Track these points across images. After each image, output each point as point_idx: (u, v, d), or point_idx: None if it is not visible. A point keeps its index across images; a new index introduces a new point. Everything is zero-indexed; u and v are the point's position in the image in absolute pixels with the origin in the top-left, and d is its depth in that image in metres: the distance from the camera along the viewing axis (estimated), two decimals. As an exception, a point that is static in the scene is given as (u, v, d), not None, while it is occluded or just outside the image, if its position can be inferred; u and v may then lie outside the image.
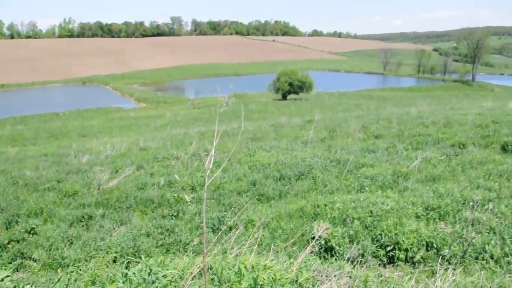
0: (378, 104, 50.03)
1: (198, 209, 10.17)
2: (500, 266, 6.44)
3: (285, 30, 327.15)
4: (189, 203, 10.64)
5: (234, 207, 9.95)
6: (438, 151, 14.02)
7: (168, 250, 7.99)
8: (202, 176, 12.64)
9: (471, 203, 8.60)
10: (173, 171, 13.76)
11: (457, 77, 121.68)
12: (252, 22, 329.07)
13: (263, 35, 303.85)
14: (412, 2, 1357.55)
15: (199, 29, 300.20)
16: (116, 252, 7.63)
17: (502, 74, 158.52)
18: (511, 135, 15.31)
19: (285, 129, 22.46)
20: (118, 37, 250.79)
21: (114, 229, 9.28)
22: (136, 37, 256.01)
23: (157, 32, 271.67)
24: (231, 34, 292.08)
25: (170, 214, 10.01)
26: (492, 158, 12.69)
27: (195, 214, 9.91)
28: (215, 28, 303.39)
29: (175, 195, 11.26)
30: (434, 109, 29.58)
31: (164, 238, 8.38)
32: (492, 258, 6.74)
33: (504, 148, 13.89)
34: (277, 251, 7.04)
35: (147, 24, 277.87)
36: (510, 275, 4.52)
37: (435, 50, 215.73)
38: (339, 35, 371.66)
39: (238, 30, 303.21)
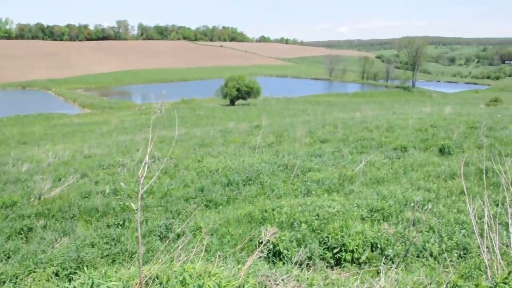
0: (325, 109, 51.07)
1: (145, 217, 9.95)
2: (438, 262, 6.73)
3: (233, 36, 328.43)
4: (136, 211, 10.38)
5: (182, 214, 9.81)
6: (382, 154, 14.48)
7: (114, 260, 7.74)
8: (149, 183, 12.38)
9: (412, 204, 8.94)
10: (119, 179, 13.39)
11: (398, 83, 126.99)
12: (200, 28, 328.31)
13: (211, 40, 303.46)
14: (356, 11, 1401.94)
15: (146, 33, 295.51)
16: (58, 265, 7.29)
17: (438, 81, 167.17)
18: (447, 138, 16.07)
19: (233, 134, 22.45)
20: (60, 40, 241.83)
21: (56, 240, 8.88)
22: (80, 40, 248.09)
23: (102, 35, 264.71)
24: (178, 39, 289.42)
25: (116, 223, 9.71)
26: (431, 161, 13.27)
27: (142, 222, 9.69)
28: (162, 32, 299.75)
29: (121, 203, 10.96)
30: (377, 114, 30.53)
31: (110, 248, 8.10)
32: (431, 256, 7.02)
33: (441, 151, 14.57)
34: (226, 257, 7.00)
35: (91, 27, 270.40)
36: (446, 270, 4.74)
37: (378, 57, 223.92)
38: (286, 41, 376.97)
39: (186, 35, 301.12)
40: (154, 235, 8.71)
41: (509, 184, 4.31)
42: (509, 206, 3.77)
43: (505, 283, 2.96)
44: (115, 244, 8.30)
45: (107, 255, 7.89)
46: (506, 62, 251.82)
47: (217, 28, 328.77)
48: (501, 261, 3.61)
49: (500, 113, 25.06)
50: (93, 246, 8.22)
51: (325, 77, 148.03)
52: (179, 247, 5.47)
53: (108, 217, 10.17)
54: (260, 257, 7.18)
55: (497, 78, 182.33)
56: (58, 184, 12.93)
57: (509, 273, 3.04)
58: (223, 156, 15.51)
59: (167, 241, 6.84)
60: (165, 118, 41.66)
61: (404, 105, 57.02)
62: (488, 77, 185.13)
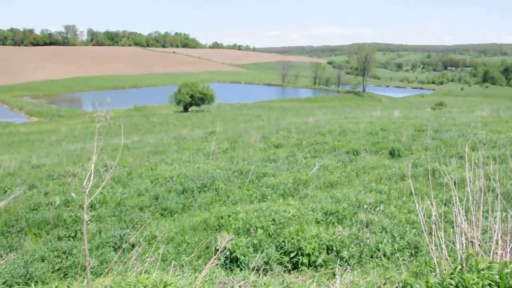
0: (278, 115, 51.56)
1: (99, 228, 9.68)
2: (391, 262, 6.94)
3: (186, 42, 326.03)
4: (88, 222, 10.09)
5: (137, 223, 9.62)
6: (335, 158, 14.77)
7: (66, 275, 7.47)
8: (101, 193, 12.06)
9: (365, 206, 9.18)
10: (69, 189, 12.95)
11: (349, 88, 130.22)
12: (152, 34, 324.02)
13: (163, 46, 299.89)
14: (307, 18, 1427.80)
15: (95, 39, 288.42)
16: (3, 283, 6.95)
17: (387, 86, 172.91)
18: (397, 141, 16.63)
19: (187, 141, 22.25)
20: (3, 44, 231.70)
21: (1, 256, 8.47)
22: (25, 45, 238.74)
23: (49, 41, 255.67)
24: (130, 45, 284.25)
25: (67, 235, 9.37)
26: (382, 163, 13.68)
27: (95, 233, 9.42)
28: (113, 38, 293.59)
29: (73, 214, 10.58)
30: (330, 118, 31.14)
31: (61, 262, 7.81)
32: (385, 256, 7.23)
33: (391, 153, 15.06)
34: (182, 266, 6.93)
35: (37, 32, 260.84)
36: (398, 269, 4.90)
37: (329, 63, 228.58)
38: (239, 48, 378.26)
39: (137, 41, 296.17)
40: (108, 246, 8.49)
41: (453, 184, 4.52)
42: (454, 204, 3.95)
43: (451, 279, 3.09)
44: (67, 257, 8.02)
45: (58, 269, 7.61)
46: (448, 68, 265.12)
47: (169, 34, 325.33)
48: (447, 257, 3.77)
49: (444, 116, 26.20)
50: (43, 261, 7.90)
51: (278, 83, 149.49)
52: (134, 258, 5.38)
53: (59, 230, 9.80)
54: (217, 264, 7.14)
55: (441, 83, 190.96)
56: (3, 197, 12.33)
57: (454, 269, 3.18)
58: (177, 163, 15.33)
59: (121, 252, 6.67)
60: (117, 126, 40.84)
61: (355, 109, 58.51)
62: (433, 82, 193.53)
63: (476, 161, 4.63)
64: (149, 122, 45.73)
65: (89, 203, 11.45)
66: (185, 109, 64.67)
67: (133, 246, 8.10)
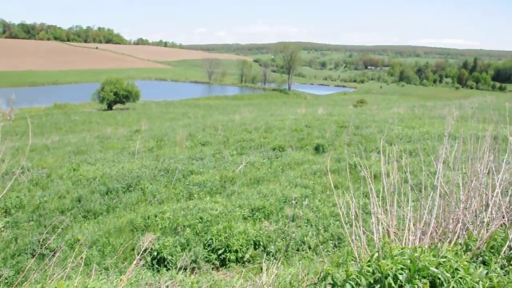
0: (205, 112, 51.37)
1: (14, 235, 9.13)
2: (316, 254, 7.18)
3: (109, 38, 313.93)
4: (3, 229, 9.48)
5: (57, 228, 9.18)
6: (261, 154, 14.97)
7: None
8: (17, 197, 11.36)
9: (291, 201, 9.40)
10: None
11: (275, 86, 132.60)
12: (73, 28, 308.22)
13: (85, 42, 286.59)
14: (234, 15, 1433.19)
15: (9, 31, 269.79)
16: None
17: (312, 84, 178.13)
18: (321, 137, 17.19)
19: (111, 140, 21.54)
20: None
21: None
22: None
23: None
24: (48, 39, 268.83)
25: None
26: (307, 159, 14.07)
27: (10, 240, 8.87)
28: (29, 31, 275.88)
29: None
30: (256, 116, 31.50)
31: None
32: (310, 248, 7.47)
33: (316, 149, 15.54)
34: (107, 269, 6.72)
35: None
36: (322, 260, 5.10)
37: (255, 61, 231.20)
38: (165, 44, 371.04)
39: (57, 35, 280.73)
40: (25, 253, 8.05)
41: (372, 176, 4.75)
42: (371, 196, 4.16)
43: (368, 266, 3.25)
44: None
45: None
46: (368, 67, 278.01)
47: (91, 29, 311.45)
48: (366, 246, 3.97)
49: (365, 113, 27.47)
50: None
51: (204, 81, 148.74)
52: (54, 264, 5.13)
53: (-31, 238, 9.13)
54: (143, 265, 7.01)
55: (362, 81, 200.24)
56: None
57: (371, 257, 3.35)
58: (101, 163, 14.81)
59: (40, 259, 6.33)
60: (36, 125, 38.58)
61: (281, 106, 59.57)
62: (355, 81, 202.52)
63: (390, 154, 4.91)
64: (71, 121, 43.67)
65: (3, 208, 10.74)
66: (109, 107, 62.40)
67: (54, 251, 7.72)
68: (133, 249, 7.66)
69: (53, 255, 7.33)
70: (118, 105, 63.96)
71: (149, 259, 7.20)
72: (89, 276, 5.03)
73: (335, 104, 72.68)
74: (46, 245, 8.13)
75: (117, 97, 61.86)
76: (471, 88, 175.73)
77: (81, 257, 6.04)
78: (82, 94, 75.75)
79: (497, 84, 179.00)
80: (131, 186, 11.78)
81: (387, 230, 4.19)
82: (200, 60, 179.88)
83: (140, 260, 6.71)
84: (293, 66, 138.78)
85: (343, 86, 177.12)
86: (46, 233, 8.87)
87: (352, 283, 3.20)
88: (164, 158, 14.92)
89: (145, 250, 6.97)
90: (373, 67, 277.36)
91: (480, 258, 3.69)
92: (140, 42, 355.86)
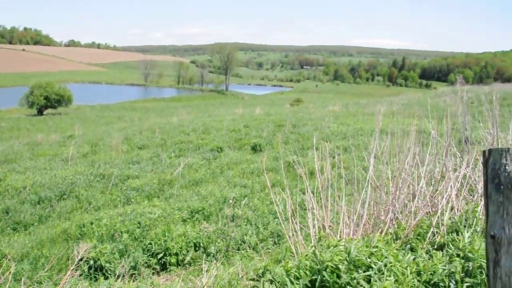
0: (141, 115, 50.30)
1: None
2: (256, 252, 7.24)
3: (37, 39, 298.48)
4: None
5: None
6: (199, 156, 14.89)
7: None
8: None
9: (230, 201, 9.42)
10: None
11: (213, 87, 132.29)
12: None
13: (10, 43, 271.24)
14: (169, 16, 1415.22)
15: None
16: None
17: (249, 84, 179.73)
18: (259, 137, 17.37)
19: (42, 147, 20.57)
20: None
21: None
22: None
23: None
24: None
25: None
26: (245, 158, 14.17)
27: None
28: None
29: None
30: (194, 117, 31.28)
31: None
32: (250, 247, 7.52)
33: (254, 149, 15.70)
34: (41, 282, 6.42)
35: None
36: (262, 258, 5.16)
37: (192, 62, 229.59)
38: (98, 46, 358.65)
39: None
40: None
41: (307, 173, 4.87)
42: (306, 192, 4.27)
43: (306, 260, 3.33)
44: None
45: None
46: (304, 67, 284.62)
47: (17, 30, 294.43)
48: (302, 241, 4.06)
49: (301, 112, 28.08)
50: None
51: (140, 83, 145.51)
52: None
53: None
54: (81, 275, 6.76)
55: (298, 81, 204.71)
56: None
57: (309, 251, 3.44)
58: (31, 171, 14.09)
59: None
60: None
61: (219, 107, 59.53)
62: (291, 80, 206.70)
63: (324, 151, 5.05)
64: (-4, 128, 41.26)
65: None
66: (40, 112, 59.41)
67: (-24, 271, 7.25)
68: (68, 259, 7.36)
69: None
70: (50, 110, 61.04)
71: (86, 268, 6.95)
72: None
73: (272, 103, 73.63)
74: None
75: (48, 102, 58.95)
76: (401, 85, 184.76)
77: (9, 272, 5.72)
78: (9, 99, 71.59)
79: (424, 82, 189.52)
80: (65, 194, 11.30)
81: (323, 224, 4.31)
82: (136, 62, 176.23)
83: (76, 270, 6.47)
84: (230, 67, 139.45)
85: (280, 86, 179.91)
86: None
87: (291, 277, 3.26)
88: (100, 163, 14.46)
89: (81, 259, 6.72)
90: (308, 67, 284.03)
91: (409, 246, 3.89)
92: (72, 43, 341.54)
